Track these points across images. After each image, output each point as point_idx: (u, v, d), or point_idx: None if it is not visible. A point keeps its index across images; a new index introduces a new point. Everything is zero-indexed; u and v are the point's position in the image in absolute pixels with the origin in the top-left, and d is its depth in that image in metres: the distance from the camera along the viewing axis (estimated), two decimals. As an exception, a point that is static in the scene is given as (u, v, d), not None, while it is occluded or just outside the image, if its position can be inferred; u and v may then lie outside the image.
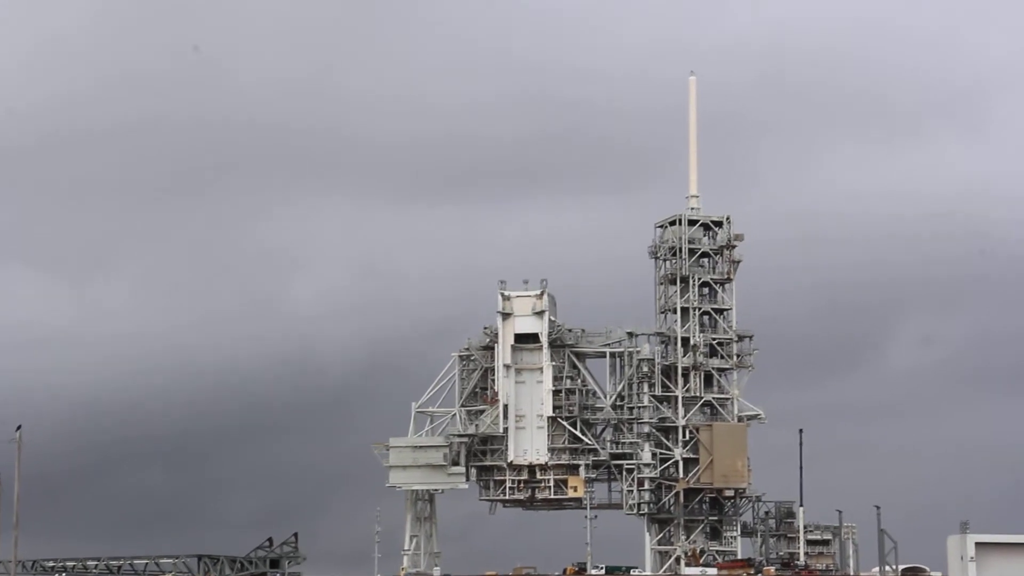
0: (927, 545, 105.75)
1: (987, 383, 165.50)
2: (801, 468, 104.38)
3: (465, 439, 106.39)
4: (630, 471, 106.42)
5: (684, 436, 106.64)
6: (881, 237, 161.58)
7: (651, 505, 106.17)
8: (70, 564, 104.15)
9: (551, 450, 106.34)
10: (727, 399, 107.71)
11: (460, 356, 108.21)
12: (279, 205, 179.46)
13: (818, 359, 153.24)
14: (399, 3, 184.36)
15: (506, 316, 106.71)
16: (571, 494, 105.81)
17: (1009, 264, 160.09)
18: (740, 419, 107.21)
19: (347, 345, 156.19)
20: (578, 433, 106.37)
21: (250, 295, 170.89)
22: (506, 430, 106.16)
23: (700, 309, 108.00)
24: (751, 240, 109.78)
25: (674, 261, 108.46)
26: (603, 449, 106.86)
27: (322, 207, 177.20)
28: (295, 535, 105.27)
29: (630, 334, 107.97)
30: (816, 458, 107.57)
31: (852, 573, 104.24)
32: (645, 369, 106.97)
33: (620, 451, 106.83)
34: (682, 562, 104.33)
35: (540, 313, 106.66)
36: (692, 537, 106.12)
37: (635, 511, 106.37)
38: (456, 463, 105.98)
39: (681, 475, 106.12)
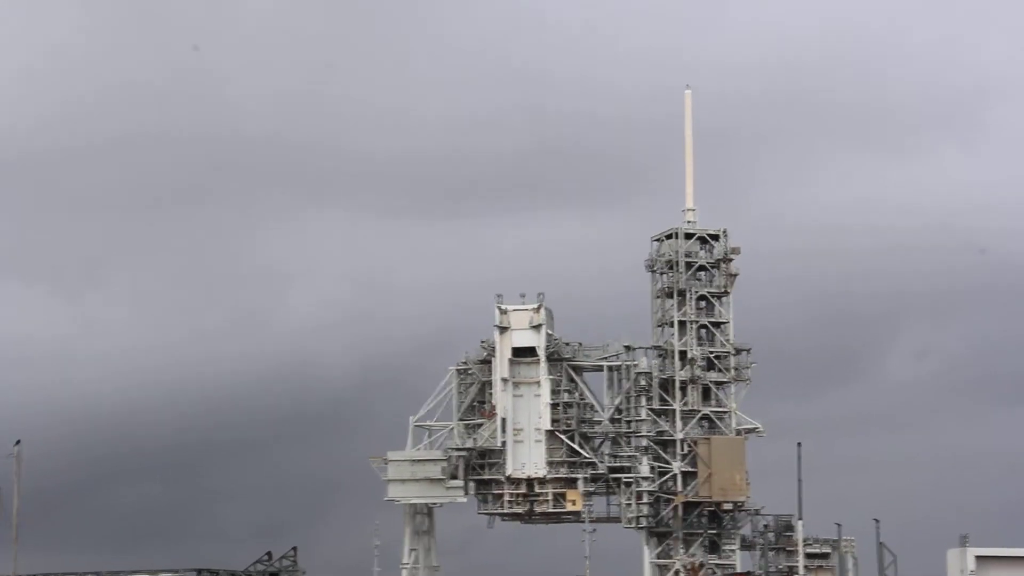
0: (927, 558, 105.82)
1: (986, 394, 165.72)
2: (800, 481, 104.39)
3: (463, 453, 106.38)
4: (628, 484, 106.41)
5: (682, 450, 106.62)
6: (879, 248, 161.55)
7: (650, 519, 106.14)
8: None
9: (549, 464, 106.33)
10: (725, 412, 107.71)
11: (458, 370, 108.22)
12: (275, 219, 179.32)
13: (816, 372, 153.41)
14: (397, 15, 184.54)
15: (503, 330, 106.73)
16: (569, 508, 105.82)
17: (1007, 274, 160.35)
18: (738, 432, 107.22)
19: (343, 359, 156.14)
20: (576, 447, 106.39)
21: (246, 309, 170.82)
22: (504, 444, 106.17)
23: (697, 322, 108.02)
24: (748, 253, 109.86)
25: (671, 274, 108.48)
26: (601, 463, 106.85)
27: (318, 220, 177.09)
28: (294, 549, 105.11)
29: (627, 348, 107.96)
30: (815, 471, 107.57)
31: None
32: (643, 383, 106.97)
33: (618, 464, 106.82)
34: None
35: (537, 327, 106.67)
36: (691, 550, 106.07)
37: (634, 524, 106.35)
38: (455, 477, 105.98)
39: (680, 488, 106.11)
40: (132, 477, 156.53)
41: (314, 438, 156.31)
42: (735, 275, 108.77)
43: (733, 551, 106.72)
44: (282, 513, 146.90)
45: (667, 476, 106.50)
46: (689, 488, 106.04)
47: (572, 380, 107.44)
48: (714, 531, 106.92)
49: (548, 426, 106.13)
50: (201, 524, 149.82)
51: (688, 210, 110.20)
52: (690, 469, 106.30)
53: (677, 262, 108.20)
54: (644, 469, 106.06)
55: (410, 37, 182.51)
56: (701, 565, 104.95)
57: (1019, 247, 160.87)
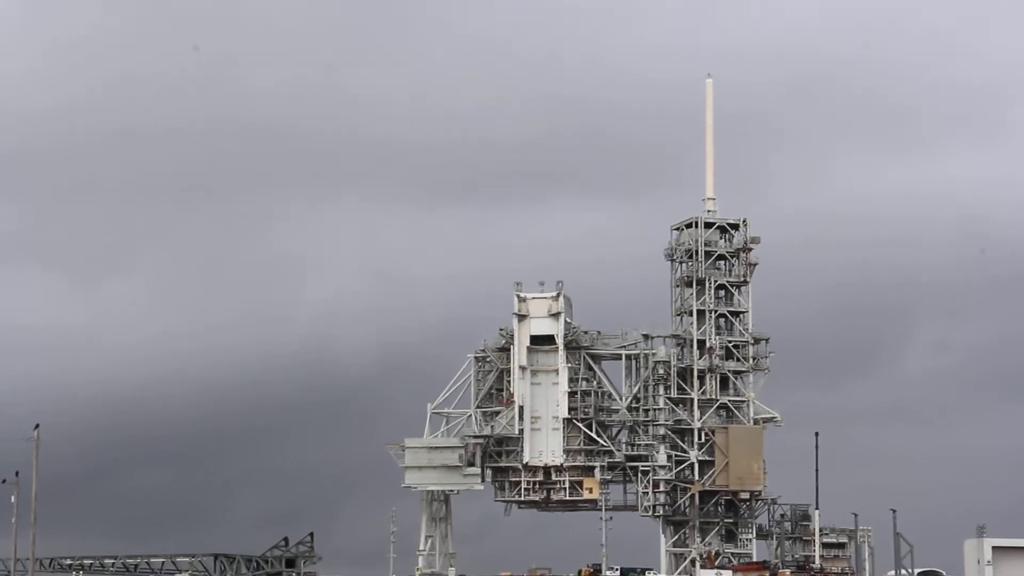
0: (943, 549, 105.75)
1: (1003, 386, 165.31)
2: (817, 471, 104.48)
3: (481, 440, 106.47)
4: (645, 473, 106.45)
5: (700, 439, 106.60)
6: (896, 241, 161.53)
7: (666, 507, 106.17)
8: (87, 562, 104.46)
9: (566, 452, 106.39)
10: (743, 402, 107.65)
11: (476, 357, 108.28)
12: (293, 208, 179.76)
13: (834, 362, 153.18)
14: (412, 4, 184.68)
15: (522, 318, 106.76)
16: (586, 496, 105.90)
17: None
18: (756, 422, 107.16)
19: (362, 347, 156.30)
20: (593, 435, 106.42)
21: (264, 297, 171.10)
22: (521, 431, 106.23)
23: (716, 312, 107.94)
24: (767, 243, 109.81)
25: (690, 264, 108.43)
26: (618, 451, 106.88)
27: (336, 210, 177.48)
28: (311, 535, 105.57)
29: (646, 336, 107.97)
30: (832, 461, 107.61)
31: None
32: (661, 371, 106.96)
33: (635, 453, 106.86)
34: (697, 564, 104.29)
35: (556, 315, 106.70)
36: (707, 539, 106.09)
37: (650, 513, 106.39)
38: (471, 464, 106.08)
39: (697, 477, 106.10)
40: (149, 463, 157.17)
41: (331, 426, 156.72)
42: (754, 264, 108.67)
43: (749, 540, 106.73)
44: (299, 500, 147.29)
45: (684, 465, 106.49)
46: (706, 477, 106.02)
47: (590, 368, 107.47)
48: (731, 520, 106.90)
49: (565, 414, 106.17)
50: (218, 511, 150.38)
51: (708, 199, 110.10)
52: (707, 458, 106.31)
53: (696, 251, 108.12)
54: (661, 458, 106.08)
55: (430, 27, 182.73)
56: (717, 554, 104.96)
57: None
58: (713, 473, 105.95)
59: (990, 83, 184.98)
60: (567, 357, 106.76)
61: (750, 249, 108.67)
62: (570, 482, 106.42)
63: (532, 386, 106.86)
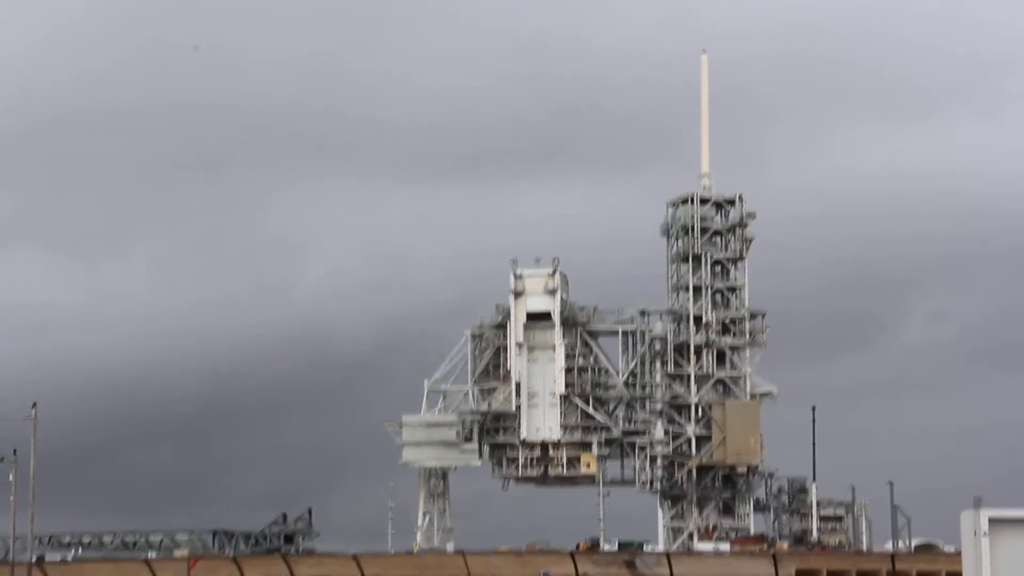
0: (940, 521, 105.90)
1: (1000, 359, 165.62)
2: (814, 445, 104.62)
3: (478, 416, 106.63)
4: (643, 448, 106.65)
5: (697, 414, 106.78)
6: (893, 215, 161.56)
7: (664, 482, 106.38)
8: (86, 539, 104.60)
9: (564, 427, 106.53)
10: (740, 377, 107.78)
11: (473, 334, 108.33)
12: (290, 186, 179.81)
13: (831, 337, 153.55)
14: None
15: (518, 295, 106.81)
16: (584, 471, 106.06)
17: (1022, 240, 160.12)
18: (753, 397, 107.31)
19: (358, 324, 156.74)
20: (590, 411, 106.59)
21: (261, 276, 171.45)
22: (519, 408, 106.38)
23: (712, 287, 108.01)
24: (763, 218, 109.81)
25: (686, 239, 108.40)
26: (615, 427, 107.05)
27: (332, 188, 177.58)
28: (309, 510, 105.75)
29: (642, 312, 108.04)
30: (829, 435, 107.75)
31: (865, 549, 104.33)
32: (657, 347, 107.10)
33: (633, 428, 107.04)
34: (695, 538, 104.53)
35: (552, 291, 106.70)
36: (705, 513, 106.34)
37: (648, 488, 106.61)
38: (469, 440, 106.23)
39: (694, 452, 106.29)
40: (148, 441, 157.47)
41: (329, 403, 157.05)
42: (750, 240, 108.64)
43: (747, 514, 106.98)
44: (298, 477, 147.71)
45: (681, 440, 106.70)
46: (703, 452, 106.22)
47: (587, 344, 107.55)
48: (728, 494, 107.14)
49: (562, 390, 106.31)
50: (217, 488, 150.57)
51: (704, 175, 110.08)
52: (704, 433, 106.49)
53: (692, 227, 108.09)
54: (658, 433, 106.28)
55: (423, 5, 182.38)
56: (715, 528, 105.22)
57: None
58: (710, 448, 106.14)
59: (988, 54, 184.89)
60: (563, 333, 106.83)
61: (746, 224, 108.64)
62: (567, 458, 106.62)
63: (529, 363, 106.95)
